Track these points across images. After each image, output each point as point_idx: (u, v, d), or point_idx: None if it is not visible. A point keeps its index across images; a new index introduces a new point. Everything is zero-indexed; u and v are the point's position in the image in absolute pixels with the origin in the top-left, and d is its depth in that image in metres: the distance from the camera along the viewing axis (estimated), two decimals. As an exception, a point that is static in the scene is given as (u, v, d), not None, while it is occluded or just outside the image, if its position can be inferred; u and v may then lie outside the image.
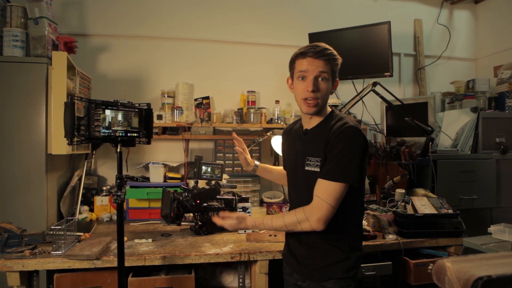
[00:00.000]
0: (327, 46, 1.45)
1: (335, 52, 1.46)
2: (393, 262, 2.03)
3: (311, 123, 1.52)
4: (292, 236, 1.59)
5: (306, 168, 1.47)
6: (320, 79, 1.42)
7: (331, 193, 1.36)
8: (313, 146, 1.47)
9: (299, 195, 1.55)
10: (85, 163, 2.68)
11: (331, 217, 1.37)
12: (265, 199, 2.86)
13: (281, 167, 1.88)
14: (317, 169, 1.43)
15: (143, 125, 1.61)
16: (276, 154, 2.94)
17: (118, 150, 1.56)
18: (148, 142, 1.67)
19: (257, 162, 1.93)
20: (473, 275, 0.65)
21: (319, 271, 1.45)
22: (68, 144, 1.48)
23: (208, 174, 2.35)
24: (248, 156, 1.91)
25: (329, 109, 1.54)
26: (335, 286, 1.43)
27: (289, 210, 1.66)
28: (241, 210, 2.31)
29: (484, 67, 3.70)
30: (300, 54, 1.44)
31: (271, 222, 1.47)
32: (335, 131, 1.40)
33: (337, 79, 1.50)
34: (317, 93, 1.42)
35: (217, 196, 2.31)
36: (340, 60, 1.48)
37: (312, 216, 1.36)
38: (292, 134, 1.64)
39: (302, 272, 1.53)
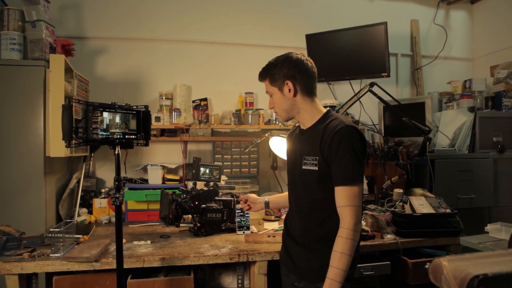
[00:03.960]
0: (266, 64, 1.57)
1: (269, 64, 1.55)
2: (392, 262, 2.04)
3: (305, 124, 1.56)
4: (289, 237, 1.60)
5: (304, 167, 1.49)
6: (270, 96, 1.58)
7: (353, 196, 1.38)
8: (309, 145, 1.50)
9: (297, 194, 1.56)
10: (84, 165, 2.68)
11: (361, 215, 1.44)
12: (264, 200, 2.87)
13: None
14: (315, 168, 1.45)
15: (141, 127, 1.62)
16: (274, 155, 2.95)
17: (116, 152, 1.57)
18: (146, 144, 1.67)
19: (266, 198, 1.93)
20: (469, 273, 0.65)
21: (314, 272, 1.45)
22: (66, 146, 1.48)
23: (207, 176, 2.35)
24: (254, 199, 1.95)
25: (323, 110, 1.55)
26: None
27: (288, 211, 1.68)
28: (239, 211, 2.31)
29: (481, 67, 3.72)
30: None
31: (336, 267, 1.33)
32: (330, 131, 1.42)
33: (286, 81, 1.50)
34: (274, 108, 1.58)
35: (216, 198, 2.31)
36: (274, 65, 1.53)
37: (350, 224, 1.35)
38: (294, 136, 1.66)
39: (297, 272, 1.53)
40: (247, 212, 2.32)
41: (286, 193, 1.88)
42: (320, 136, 1.45)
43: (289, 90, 1.50)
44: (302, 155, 1.51)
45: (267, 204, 1.92)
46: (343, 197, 1.39)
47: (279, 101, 1.53)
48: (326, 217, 1.47)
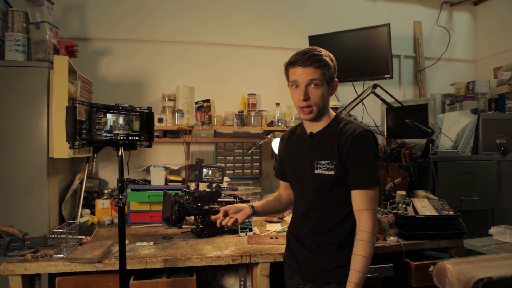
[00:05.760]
0: (316, 52, 1.42)
1: (325, 56, 1.42)
2: (395, 264, 2.03)
3: (316, 126, 1.51)
4: (294, 239, 1.59)
5: (316, 171, 1.46)
6: (312, 86, 1.41)
7: (372, 199, 1.40)
8: (323, 149, 1.47)
9: (307, 200, 1.52)
10: (87, 166, 2.69)
11: None
12: (266, 202, 2.86)
13: (273, 194, 1.80)
14: (331, 172, 1.43)
15: (144, 128, 1.62)
16: (276, 157, 2.95)
17: (120, 153, 1.57)
18: (149, 145, 1.67)
19: (250, 203, 1.66)
20: (474, 276, 0.65)
21: (321, 274, 1.45)
22: (70, 147, 1.48)
23: (209, 177, 2.35)
24: (236, 208, 1.61)
25: (333, 113, 1.53)
26: None
27: (294, 216, 1.63)
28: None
29: (484, 69, 3.71)
30: (290, 64, 1.45)
31: (360, 271, 1.34)
32: (349, 135, 1.41)
33: (336, 80, 1.49)
34: (309, 101, 1.42)
35: (218, 199, 2.31)
36: (331, 62, 1.43)
37: (371, 228, 1.37)
38: (295, 139, 1.61)
39: (303, 275, 1.52)
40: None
41: (270, 199, 1.78)
42: (336, 140, 1.44)
43: (332, 89, 1.49)
44: (314, 159, 1.47)
45: (253, 209, 1.63)
46: (362, 200, 1.39)
47: (323, 95, 1.43)
48: (338, 221, 1.46)
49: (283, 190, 1.77)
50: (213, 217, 1.61)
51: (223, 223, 1.58)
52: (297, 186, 1.59)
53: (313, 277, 1.48)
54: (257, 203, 1.70)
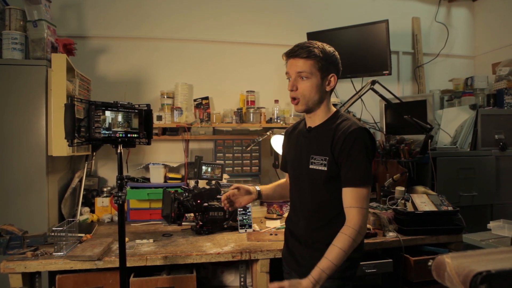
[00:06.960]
0: (308, 43, 1.43)
1: (315, 48, 1.41)
2: (394, 259, 2.04)
3: (314, 121, 1.52)
4: (292, 236, 1.60)
5: (311, 166, 1.47)
6: (300, 77, 1.43)
7: (362, 198, 1.38)
8: (318, 145, 1.47)
9: (302, 194, 1.54)
10: (86, 164, 2.68)
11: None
12: (266, 199, 2.87)
13: (278, 182, 1.83)
14: (324, 168, 1.43)
15: (143, 126, 1.62)
16: (276, 154, 2.95)
17: (119, 151, 1.57)
18: (148, 143, 1.67)
19: (257, 187, 1.76)
20: (473, 270, 0.65)
21: None
22: (69, 145, 1.48)
23: (209, 174, 2.36)
24: (245, 188, 1.72)
25: (334, 109, 1.53)
26: (332, 286, 1.42)
27: (290, 210, 1.66)
28: (241, 210, 2.31)
29: (483, 64, 3.71)
30: (285, 55, 1.48)
31: (332, 261, 1.32)
32: (343, 132, 1.41)
33: (333, 74, 1.47)
34: (296, 92, 1.44)
35: (218, 196, 2.32)
36: (321, 53, 1.42)
37: (356, 225, 1.35)
38: (296, 133, 1.62)
39: (300, 271, 1.52)
40: (249, 211, 2.31)
41: (278, 187, 1.81)
42: (331, 136, 1.43)
43: (329, 83, 1.47)
44: (309, 154, 1.48)
45: (259, 194, 1.74)
46: (352, 198, 1.38)
47: (314, 88, 1.43)
48: (332, 217, 1.46)
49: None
50: (223, 196, 1.69)
51: (227, 206, 1.69)
52: (294, 180, 1.61)
53: (309, 273, 1.49)
54: (264, 188, 1.77)
